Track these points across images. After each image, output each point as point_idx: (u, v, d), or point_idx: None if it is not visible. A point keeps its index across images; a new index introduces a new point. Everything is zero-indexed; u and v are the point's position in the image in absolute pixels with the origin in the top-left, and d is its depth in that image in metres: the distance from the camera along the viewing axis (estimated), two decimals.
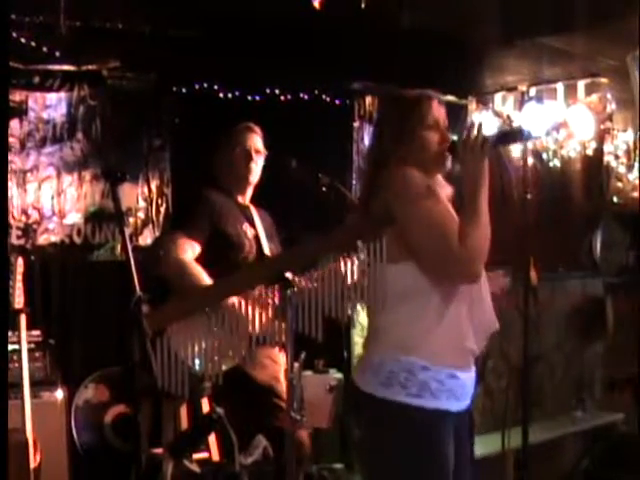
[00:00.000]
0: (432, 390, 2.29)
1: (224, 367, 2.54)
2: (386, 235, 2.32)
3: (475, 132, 2.36)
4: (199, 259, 3.55)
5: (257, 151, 3.81)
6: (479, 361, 2.44)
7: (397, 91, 2.66)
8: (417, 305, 2.33)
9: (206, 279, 3.43)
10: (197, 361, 2.43)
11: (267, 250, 3.74)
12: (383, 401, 2.30)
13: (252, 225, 3.76)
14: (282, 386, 3.62)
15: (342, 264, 2.38)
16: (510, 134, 2.81)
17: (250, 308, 2.47)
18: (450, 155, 2.44)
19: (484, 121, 5.80)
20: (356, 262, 2.37)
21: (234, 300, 2.76)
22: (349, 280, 2.37)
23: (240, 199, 3.81)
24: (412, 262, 2.32)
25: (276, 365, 3.66)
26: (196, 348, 2.42)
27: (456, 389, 2.34)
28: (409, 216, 2.30)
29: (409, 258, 2.32)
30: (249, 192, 3.84)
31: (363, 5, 4.14)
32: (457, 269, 2.29)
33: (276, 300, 2.40)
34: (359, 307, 3.60)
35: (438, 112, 2.48)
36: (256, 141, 3.82)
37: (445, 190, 2.46)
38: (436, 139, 2.44)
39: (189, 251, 3.53)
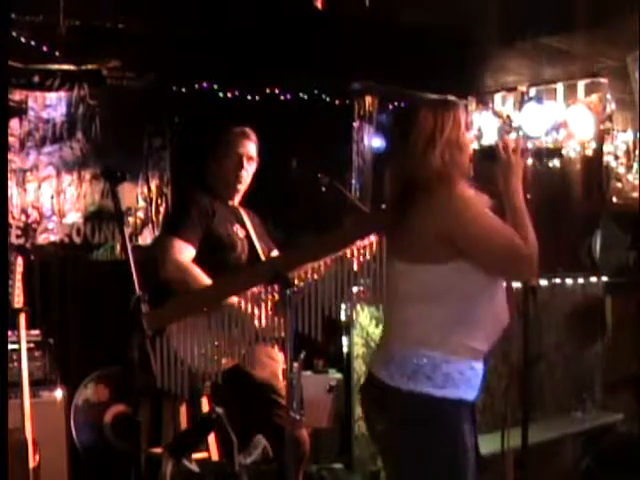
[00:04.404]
0: (455, 381, 2.36)
1: (223, 366, 2.54)
2: (426, 238, 2.36)
3: (514, 138, 2.42)
4: (194, 261, 3.56)
5: (249, 158, 3.77)
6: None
7: (422, 96, 2.69)
8: (447, 304, 2.38)
9: (206, 279, 3.44)
10: (197, 360, 2.43)
11: (259, 249, 3.74)
12: (410, 394, 2.36)
13: (242, 226, 3.76)
14: (281, 383, 3.64)
15: (343, 263, 2.38)
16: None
17: (250, 307, 2.47)
18: (491, 161, 2.50)
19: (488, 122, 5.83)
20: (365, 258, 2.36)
21: (234, 299, 2.76)
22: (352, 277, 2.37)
23: (229, 202, 3.80)
24: (461, 262, 2.37)
25: (275, 363, 3.66)
26: (196, 347, 2.42)
27: (473, 379, 2.41)
28: (475, 234, 2.36)
29: (458, 259, 2.36)
30: (238, 196, 3.83)
31: (367, 3, 4.14)
32: (527, 269, 2.43)
33: (276, 297, 2.40)
34: (359, 308, 3.60)
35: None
36: (250, 148, 3.77)
37: (483, 197, 2.50)
38: (470, 145, 2.50)
39: (186, 253, 3.54)
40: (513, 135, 5.77)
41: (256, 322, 2.45)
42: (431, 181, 2.38)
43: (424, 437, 2.36)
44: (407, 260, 2.40)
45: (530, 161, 4.81)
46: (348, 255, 2.59)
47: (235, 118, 4.03)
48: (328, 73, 5.25)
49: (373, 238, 2.61)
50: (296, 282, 2.36)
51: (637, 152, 6.07)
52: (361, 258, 2.49)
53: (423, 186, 2.39)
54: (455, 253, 2.36)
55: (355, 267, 2.57)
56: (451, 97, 2.58)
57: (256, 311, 2.45)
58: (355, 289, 2.73)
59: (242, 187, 3.80)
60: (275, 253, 3.84)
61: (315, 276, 2.41)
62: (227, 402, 3.44)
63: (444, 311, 2.38)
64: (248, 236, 3.75)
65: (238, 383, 3.41)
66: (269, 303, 2.44)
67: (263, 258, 3.72)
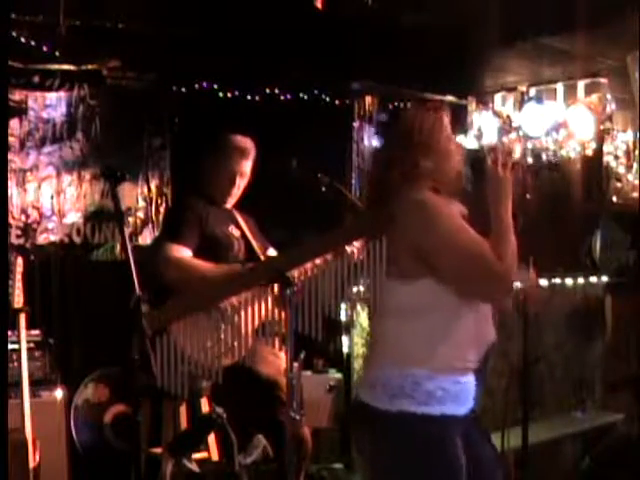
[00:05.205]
0: (437, 397, 2.32)
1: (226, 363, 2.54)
2: (398, 255, 2.31)
3: (505, 150, 2.38)
4: None
5: (242, 174, 3.87)
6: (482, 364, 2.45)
7: (414, 96, 2.64)
8: (426, 320, 2.34)
9: (207, 267, 3.50)
10: (200, 356, 2.43)
11: (255, 247, 3.80)
12: (393, 413, 2.32)
13: (237, 226, 3.86)
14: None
15: (342, 264, 2.38)
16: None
17: (250, 306, 2.47)
18: (474, 173, 2.45)
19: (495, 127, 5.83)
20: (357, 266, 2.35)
21: (234, 298, 2.76)
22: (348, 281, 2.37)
23: (223, 205, 3.89)
24: (430, 280, 2.31)
25: (279, 360, 3.68)
26: (197, 346, 2.42)
27: (460, 394, 2.37)
28: (439, 244, 2.28)
29: (427, 276, 2.31)
30: (231, 201, 3.92)
31: (369, 3, 4.15)
32: (499, 287, 2.33)
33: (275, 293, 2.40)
34: (359, 308, 3.59)
35: (451, 123, 2.48)
36: (244, 166, 3.87)
37: (458, 207, 2.43)
38: (456, 153, 2.43)
39: (183, 254, 3.59)
40: (513, 135, 5.77)
41: (256, 320, 2.45)
42: (397, 185, 2.34)
43: (410, 456, 2.32)
44: (386, 274, 2.33)
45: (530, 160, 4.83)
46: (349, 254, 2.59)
47: (235, 118, 4.04)
48: (328, 73, 5.25)
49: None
50: (296, 281, 2.37)
51: (637, 152, 6.07)
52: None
53: (392, 191, 2.34)
54: (426, 270, 2.29)
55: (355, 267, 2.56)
56: (442, 100, 2.54)
57: (256, 309, 2.45)
58: (355, 289, 2.73)
59: (232, 199, 3.91)
60: (271, 251, 3.90)
61: (315, 275, 2.41)
62: (229, 401, 3.45)
63: (426, 328, 2.32)
64: (244, 236, 3.84)
65: (242, 380, 3.42)
66: (269, 298, 2.44)
67: (260, 256, 3.78)
